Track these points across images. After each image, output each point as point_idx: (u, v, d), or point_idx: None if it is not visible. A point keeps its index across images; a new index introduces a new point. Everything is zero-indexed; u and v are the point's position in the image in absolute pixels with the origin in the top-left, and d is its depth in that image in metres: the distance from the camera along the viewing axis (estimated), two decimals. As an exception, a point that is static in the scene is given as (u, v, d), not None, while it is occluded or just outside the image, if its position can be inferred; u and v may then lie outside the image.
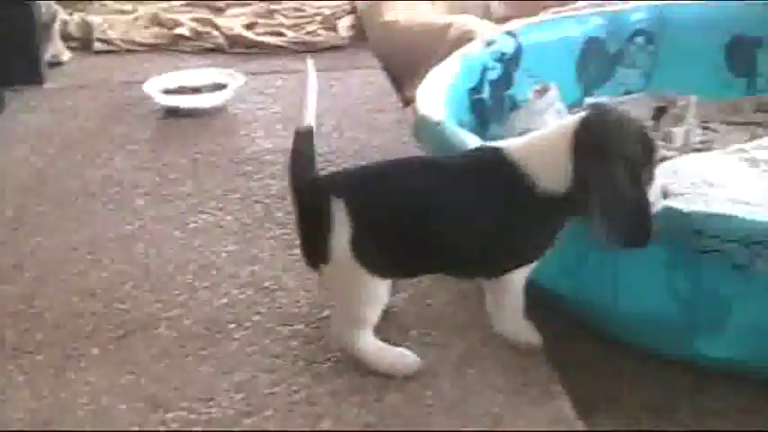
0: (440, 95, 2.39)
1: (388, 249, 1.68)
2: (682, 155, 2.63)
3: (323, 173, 1.80)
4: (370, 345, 1.76)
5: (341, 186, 1.70)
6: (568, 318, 2.00)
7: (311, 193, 1.70)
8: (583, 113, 1.70)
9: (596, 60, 2.98)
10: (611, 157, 1.60)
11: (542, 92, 2.64)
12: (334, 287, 1.79)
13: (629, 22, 3.03)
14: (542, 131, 1.77)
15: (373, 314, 1.74)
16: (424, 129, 2.23)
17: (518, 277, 1.78)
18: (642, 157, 1.64)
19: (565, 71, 2.93)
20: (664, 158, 2.57)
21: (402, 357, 1.78)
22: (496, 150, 1.73)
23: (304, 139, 1.75)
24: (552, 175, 1.64)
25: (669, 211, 1.72)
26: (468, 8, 3.93)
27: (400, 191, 1.70)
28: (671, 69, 3.05)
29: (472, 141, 2.08)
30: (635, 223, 1.62)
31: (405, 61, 3.40)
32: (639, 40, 3.03)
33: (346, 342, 1.77)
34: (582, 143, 1.63)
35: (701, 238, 1.69)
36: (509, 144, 1.73)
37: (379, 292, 1.72)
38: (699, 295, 1.78)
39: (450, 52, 2.86)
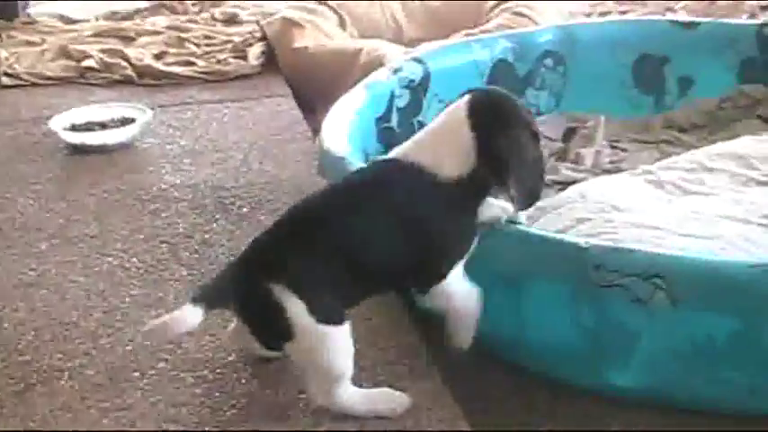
0: (345, 128, 2.37)
1: (340, 293, 1.66)
2: (591, 176, 2.64)
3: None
4: (355, 396, 1.71)
5: (271, 270, 1.65)
6: (479, 349, 1.97)
7: (249, 292, 1.65)
8: (464, 97, 1.75)
9: (506, 83, 2.95)
10: (516, 126, 1.70)
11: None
12: (303, 357, 1.69)
13: (538, 43, 3.04)
14: (427, 127, 1.81)
15: (349, 364, 1.69)
16: (329, 164, 2.21)
17: (454, 280, 1.74)
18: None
19: (474, 94, 2.92)
20: (574, 181, 2.59)
21: (391, 396, 1.74)
22: (391, 159, 1.78)
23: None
24: (453, 160, 1.68)
25: (570, 246, 1.72)
26: (381, 31, 3.94)
27: (322, 237, 1.67)
28: (580, 89, 3.07)
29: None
30: (542, 180, 1.76)
31: (316, 88, 3.38)
32: (548, 61, 3.04)
33: (332, 403, 1.70)
34: (482, 121, 1.68)
35: (601, 273, 1.68)
36: (400, 149, 1.79)
37: (347, 340, 1.68)
38: (604, 327, 1.78)
39: (361, 77, 2.85)
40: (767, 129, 2.88)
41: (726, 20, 3.43)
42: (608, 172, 2.69)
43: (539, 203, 2.22)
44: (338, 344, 1.67)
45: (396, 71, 2.74)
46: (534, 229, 1.83)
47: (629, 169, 2.65)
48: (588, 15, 4.43)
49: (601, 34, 3.13)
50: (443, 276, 1.72)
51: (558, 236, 1.79)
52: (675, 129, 3.01)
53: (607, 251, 1.70)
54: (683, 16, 3.65)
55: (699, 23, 3.16)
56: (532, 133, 1.74)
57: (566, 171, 2.68)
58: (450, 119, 1.73)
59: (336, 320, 1.66)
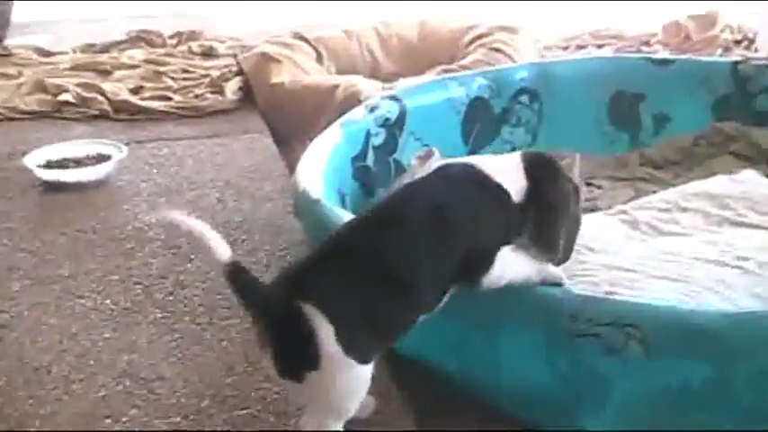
0: (320, 168, 2.37)
1: (377, 323, 1.61)
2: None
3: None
4: None
5: (302, 289, 1.59)
6: (454, 393, 1.97)
7: (277, 309, 1.58)
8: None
9: (482, 120, 2.99)
10: (564, 180, 1.83)
11: (425, 158, 2.63)
12: (322, 389, 1.61)
13: (514, 80, 3.05)
14: (487, 157, 1.85)
15: (357, 407, 1.66)
16: (303, 206, 2.20)
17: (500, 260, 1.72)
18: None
19: (450, 132, 2.94)
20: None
21: None
22: (467, 164, 1.80)
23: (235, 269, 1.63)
24: (513, 186, 1.75)
25: (544, 295, 1.71)
26: (358, 66, 3.95)
27: (360, 258, 1.63)
28: (556, 126, 3.08)
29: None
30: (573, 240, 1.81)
31: (293, 124, 3.38)
32: (524, 98, 3.05)
33: None
34: (533, 163, 1.81)
35: (575, 323, 1.67)
36: (472, 160, 1.83)
37: (368, 380, 1.64)
38: (578, 375, 1.76)
39: (338, 113, 2.86)
40: (742, 166, 2.88)
41: (700, 57, 3.45)
42: (583, 210, 2.68)
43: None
44: (357, 382, 1.62)
45: (372, 109, 2.74)
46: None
47: (604, 207, 2.66)
48: (565, 48, 4.46)
49: (576, 71, 3.14)
50: (491, 263, 1.71)
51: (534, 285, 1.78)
52: (651, 165, 3.02)
53: (581, 301, 1.69)
54: (657, 54, 3.66)
55: (673, 60, 3.18)
56: (575, 191, 1.85)
57: (542, 210, 2.67)
58: (507, 157, 1.82)
59: (364, 357, 1.60)
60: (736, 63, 3.13)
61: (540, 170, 1.79)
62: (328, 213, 2.10)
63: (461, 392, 1.96)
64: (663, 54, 3.56)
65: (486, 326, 1.83)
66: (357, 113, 2.71)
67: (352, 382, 1.62)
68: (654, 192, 2.76)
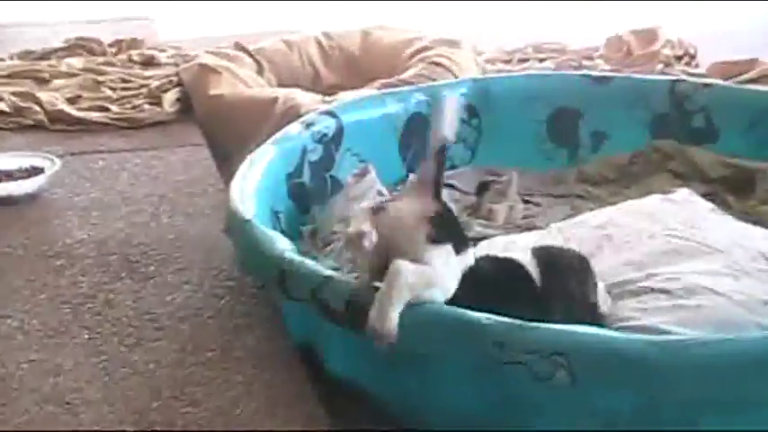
0: (253, 187, 2.34)
1: None
2: (504, 232, 2.63)
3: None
4: None
5: None
6: (385, 420, 1.96)
7: None
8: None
9: (420, 136, 2.95)
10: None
11: (361, 176, 2.62)
12: None
13: (453, 96, 3.03)
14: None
15: None
16: (234, 225, 2.18)
17: None
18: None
19: (388, 148, 2.92)
20: (485, 237, 2.58)
21: None
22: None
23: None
24: None
25: (471, 322, 1.70)
26: (299, 77, 3.92)
27: None
28: (495, 142, 3.08)
29: (281, 242, 2.04)
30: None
31: (232, 136, 3.33)
32: (463, 114, 3.03)
33: None
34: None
35: (502, 350, 1.66)
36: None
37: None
38: (507, 401, 1.76)
39: (277, 127, 2.84)
40: (679, 184, 2.89)
41: (638, 75, 3.46)
42: (520, 228, 2.69)
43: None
44: None
45: (308, 125, 2.72)
46: (439, 305, 1.79)
47: (541, 225, 2.66)
48: (507, 62, 4.46)
49: (515, 88, 3.14)
50: None
51: (460, 311, 1.76)
52: (589, 183, 3.02)
53: (508, 328, 1.68)
54: (596, 71, 3.67)
55: (612, 78, 3.20)
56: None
57: (478, 227, 2.67)
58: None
59: None
60: (674, 81, 3.15)
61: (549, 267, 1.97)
62: (258, 234, 2.08)
63: (392, 417, 1.95)
64: (602, 71, 3.56)
65: (415, 352, 1.81)
66: (293, 129, 2.69)
67: None
68: (591, 209, 2.76)
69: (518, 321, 1.70)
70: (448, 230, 1.84)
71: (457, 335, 1.73)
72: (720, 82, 3.49)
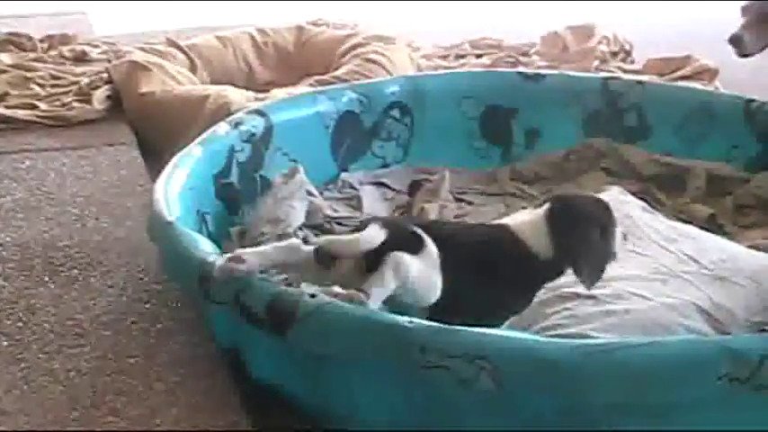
0: (178, 188, 2.30)
1: None
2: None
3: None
4: None
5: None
6: (313, 426, 1.93)
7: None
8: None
9: (352, 135, 2.95)
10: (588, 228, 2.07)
11: (289, 176, 2.58)
12: None
13: (384, 94, 3.02)
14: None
15: None
16: (156, 228, 2.14)
17: None
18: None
19: (319, 147, 2.89)
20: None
21: None
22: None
23: None
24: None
25: (395, 326, 1.68)
26: (233, 74, 3.87)
27: None
28: (428, 140, 3.06)
29: (203, 244, 2.00)
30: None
31: (162, 135, 3.28)
32: (395, 112, 3.02)
33: None
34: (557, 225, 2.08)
35: (425, 354, 1.64)
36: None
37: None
38: (433, 405, 1.74)
39: (208, 125, 2.79)
40: (612, 182, 2.89)
41: (572, 73, 3.45)
42: (453, 227, 2.67)
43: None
44: None
45: (236, 125, 2.68)
46: (362, 309, 1.77)
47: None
48: (444, 57, 4.44)
49: (448, 86, 3.12)
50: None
51: (384, 316, 1.73)
52: (522, 181, 3.01)
53: (431, 332, 1.66)
54: (529, 69, 3.66)
55: (545, 76, 3.19)
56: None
57: (409, 228, 2.64)
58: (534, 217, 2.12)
59: None
60: (607, 79, 3.16)
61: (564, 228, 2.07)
62: (180, 236, 2.04)
63: (318, 422, 1.92)
64: (535, 69, 3.55)
65: (341, 357, 1.78)
66: (220, 129, 2.64)
67: None
68: (524, 207, 2.74)
69: (441, 325, 1.68)
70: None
71: (380, 339, 1.70)
72: (653, 80, 3.50)
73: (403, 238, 1.90)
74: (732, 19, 2.95)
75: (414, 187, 2.90)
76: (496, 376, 1.62)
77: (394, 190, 2.92)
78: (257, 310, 1.81)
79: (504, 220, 2.20)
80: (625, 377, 1.62)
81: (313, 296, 1.78)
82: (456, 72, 3.52)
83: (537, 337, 1.75)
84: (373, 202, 2.80)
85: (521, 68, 3.78)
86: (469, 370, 1.62)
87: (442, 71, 3.63)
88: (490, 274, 2.01)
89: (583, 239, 2.05)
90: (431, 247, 1.92)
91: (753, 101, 2.98)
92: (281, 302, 1.78)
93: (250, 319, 1.84)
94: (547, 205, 2.13)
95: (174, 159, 2.44)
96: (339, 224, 2.63)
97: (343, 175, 2.91)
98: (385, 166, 3.01)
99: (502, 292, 2.03)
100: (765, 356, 1.61)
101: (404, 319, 1.70)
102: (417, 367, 1.67)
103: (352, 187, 2.88)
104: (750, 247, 2.47)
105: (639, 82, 3.18)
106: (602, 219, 2.11)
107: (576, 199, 2.22)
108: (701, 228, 2.61)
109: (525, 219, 2.14)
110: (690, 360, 1.63)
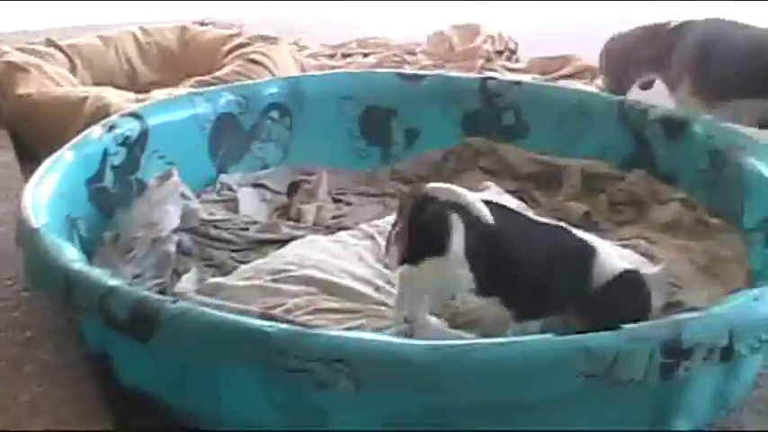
0: (47, 194, 2.27)
1: None
2: (311, 233, 2.62)
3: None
4: None
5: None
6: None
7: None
8: None
9: (230, 136, 2.94)
10: None
11: (164, 179, 2.56)
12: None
13: (263, 96, 3.01)
14: None
15: None
16: (23, 235, 2.10)
17: None
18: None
19: (197, 150, 2.87)
20: (293, 238, 2.57)
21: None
22: None
23: None
24: None
25: (254, 330, 1.68)
26: (115, 75, 3.83)
27: None
28: (308, 141, 3.06)
29: (68, 251, 1.98)
30: None
31: (41, 138, 3.22)
32: (274, 113, 3.02)
33: None
34: None
35: (285, 358, 1.65)
36: None
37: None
38: (297, 408, 1.74)
39: (87, 126, 2.75)
40: (490, 180, 2.93)
41: (450, 73, 3.49)
42: (330, 228, 2.68)
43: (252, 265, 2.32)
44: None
45: (110, 128, 2.65)
46: (223, 314, 1.77)
47: (350, 225, 2.66)
48: (331, 56, 4.46)
49: (328, 87, 3.13)
50: None
51: (245, 321, 1.74)
52: (402, 180, 3.04)
53: (289, 336, 1.66)
54: (409, 70, 3.69)
55: (424, 76, 3.22)
56: None
57: (286, 229, 2.65)
58: None
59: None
60: (485, 79, 3.19)
61: None
62: (46, 243, 2.01)
63: (188, 427, 1.92)
64: (414, 70, 3.58)
65: (204, 361, 1.78)
66: (93, 133, 2.61)
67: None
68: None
69: (300, 329, 1.69)
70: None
71: (241, 344, 1.70)
72: (530, 80, 3.55)
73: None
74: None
75: (292, 188, 2.91)
76: (355, 378, 1.63)
77: (273, 191, 2.92)
78: (120, 316, 1.80)
79: None
80: (483, 376, 1.64)
81: (175, 301, 1.78)
82: (335, 73, 3.54)
83: (394, 339, 1.76)
84: (250, 204, 2.81)
85: (400, 69, 3.80)
86: (328, 373, 1.63)
87: (321, 72, 3.62)
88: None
89: None
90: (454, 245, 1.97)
91: (626, 100, 3.04)
92: (144, 308, 1.77)
93: (114, 326, 1.83)
94: None
95: (46, 164, 2.40)
96: (215, 227, 2.62)
97: (222, 176, 2.90)
98: (265, 167, 3.00)
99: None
100: (619, 353, 1.65)
101: (264, 324, 1.70)
102: (278, 371, 1.67)
103: (230, 189, 2.87)
104: (622, 243, 2.52)
105: (517, 82, 3.23)
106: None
107: None
108: (576, 225, 2.66)
109: None
110: (546, 358, 1.66)
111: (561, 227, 2.19)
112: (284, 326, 1.70)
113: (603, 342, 1.68)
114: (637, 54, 3.32)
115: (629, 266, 2.09)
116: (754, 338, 1.77)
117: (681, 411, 1.80)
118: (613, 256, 2.11)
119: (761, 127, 2.96)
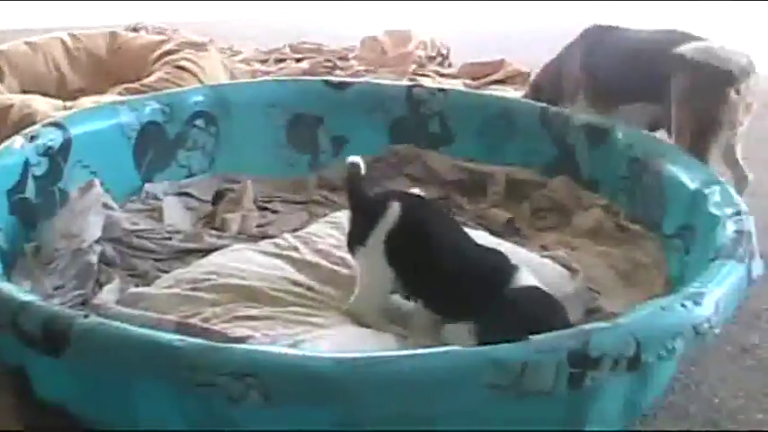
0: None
1: None
2: (235, 243, 2.62)
3: None
4: None
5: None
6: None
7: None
8: None
9: (155, 145, 2.94)
10: None
11: (86, 189, 2.55)
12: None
13: (189, 104, 3.01)
14: None
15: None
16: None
17: None
18: None
19: (122, 159, 2.86)
20: (216, 247, 2.57)
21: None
22: None
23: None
24: None
25: (165, 345, 1.69)
26: (43, 81, 3.80)
27: None
28: (234, 150, 3.07)
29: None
30: None
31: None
32: (200, 122, 3.02)
33: None
34: None
35: (195, 373, 1.65)
36: None
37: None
38: (210, 422, 1.75)
39: (13, 133, 2.72)
40: (416, 187, 2.96)
41: (377, 80, 3.51)
42: (254, 237, 2.69)
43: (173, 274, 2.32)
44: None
45: (32, 138, 2.62)
46: (134, 328, 1.77)
47: (275, 234, 2.67)
48: (264, 62, 4.46)
49: (254, 95, 3.14)
50: None
51: (156, 334, 1.74)
52: (328, 188, 3.05)
53: (199, 351, 1.67)
54: (341, 74, 3.71)
55: (350, 84, 3.23)
56: None
57: (209, 238, 2.65)
58: None
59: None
60: (411, 87, 3.22)
61: None
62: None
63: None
64: (341, 77, 3.59)
65: (117, 375, 1.78)
66: (15, 143, 2.59)
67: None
68: (326, 215, 2.80)
69: (211, 344, 1.70)
70: None
71: (151, 359, 1.71)
72: (455, 87, 3.58)
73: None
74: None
75: (218, 197, 2.91)
76: (265, 392, 1.64)
77: (199, 199, 2.92)
78: (33, 331, 1.80)
79: None
80: (390, 389, 1.66)
81: (86, 317, 1.78)
82: (262, 81, 3.54)
83: (303, 352, 1.78)
84: (175, 213, 2.80)
85: (332, 74, 3.82)
86: (238, 386, 1.64)
87: (247, 80, 3.62)
88: None
89: None
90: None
91: (549, 107, 3.08)
92: (56, 324, 1.77)
93: (27, 342, 1.82)
94: None
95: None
96: (138, 237, 2.61)
97: (147, 186, 2.90)
98: (191, 175, 3.00)
99: None
100: (526, 364, 1.68)
101: (174, 338, 1.71)
102: (189, 385, 1.68)
103: (155, 198, 2.87)
104: (544, 255, 2.56)
105: (442, 89, 3.26)
106: None
107: None
108: (499, 232, 2.71)
109: None
110: (453, 370, 1.69)
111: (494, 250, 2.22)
112: (195, 340, 1.71)
113: (511, 353, 1.70)
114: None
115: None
116: (662, 347, 1.80)
117: (592, 420, 1.83)
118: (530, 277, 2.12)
119: (651, 130, 3.00)
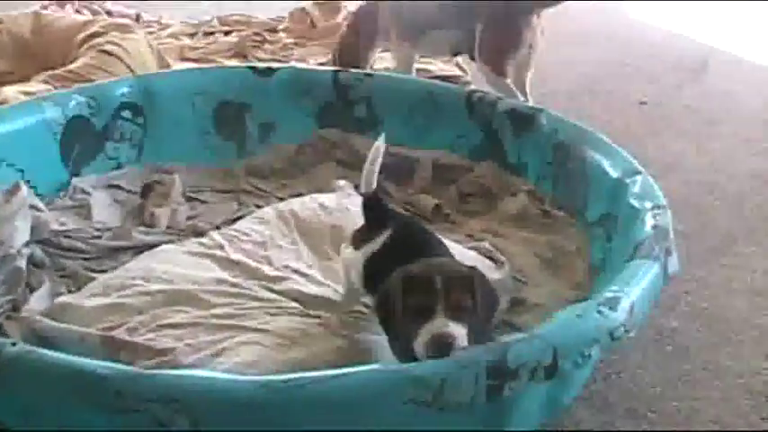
0: None
1: None
2: (166, 239, 2.63)
3: None
4: None
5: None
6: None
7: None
8: None
9: (82, 139, 2.92)
10: None
11: (11, 193, 2.53)
12: None
13: (114, 96, 2.99)
14: None
15: None
16: None
17: None
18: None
19: (48, 155, 2.85)
20: (145, 244, 2.58)
21: None
22: None
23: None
24: None
25: (90, 373, 1.70)
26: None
27: None
28: (162, 139, 3.07)
29: None
30: None
31: None
32: (126, 113, 3.01)
33: None
34: None
35: (121, 399, 1.67)
36: None
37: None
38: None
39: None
40: (344, 173, 2.99)
41: (302, 66, 3.52)
42: (184, 232, 2.70)
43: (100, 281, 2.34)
44: None
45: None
46: (60, 356, 1.79)
47: (206, 227, 2.68)
48: (192, 35, 4.43)
49: (179, 84, 3.13)
50: None
51: (83, 363, 1.75)
52: (257, 175, 3.06)
53: (126, 377, 1.69)
54: (260, 63, 3.68)
55: (276, 70, 3.23)
56: None
57: (138, 235, 2.65)
58: None
59: None
60: (337, 72, 3.22)
61: None
62: None
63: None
64: (265, 64, 3.57)
65: (35, 406, 1.79)
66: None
67: None
68: (257, 206, 2.82)
69: (138, 371, 1.72)
70: None
71: (78, 386, 1.72)
72: (381, 72, 3.59)
73: None
74: None
75: (146, 189, 2.90)
76: (191, 417, 1.67)
77: (127, 191, 2.91)
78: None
79: None
80: (314, 410, 1.70)
81: (14, 344, 1.79)
82: (186, 69, 3.52)
83: (226, 377, 1.80)
84: (103, 209, 2.79)
85: (253, 62, 3.83)
86: (165, 412, 1.67)
87: (171, 69, 3.60)
88: None
89: None
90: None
91: (475, 92, 3.12)
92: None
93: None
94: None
95: None
96: (67, 237, 2.61)
97: (75, 180, 2.88)
98: (119, 167, 3.00)
99: None
100: (445, 379, 1.72)
101: (101, 365, 1.73)
102: (117, 411, 1.70)
103: (84, 192, 2.86)
104: (469, 246, 2.60)
105: (368, 74, 3.27)
106: None
107: None
108: (427, 218, 2.75)
109: None
110: (375, 388, 1.73)
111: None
112: (121, 367, 1.73)
113: (430, 369, 1.74)
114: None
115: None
116: (578, 355, 1.85)
117: (510, 423, 1.88)
118: None
119: (453, 55, 3.62)
